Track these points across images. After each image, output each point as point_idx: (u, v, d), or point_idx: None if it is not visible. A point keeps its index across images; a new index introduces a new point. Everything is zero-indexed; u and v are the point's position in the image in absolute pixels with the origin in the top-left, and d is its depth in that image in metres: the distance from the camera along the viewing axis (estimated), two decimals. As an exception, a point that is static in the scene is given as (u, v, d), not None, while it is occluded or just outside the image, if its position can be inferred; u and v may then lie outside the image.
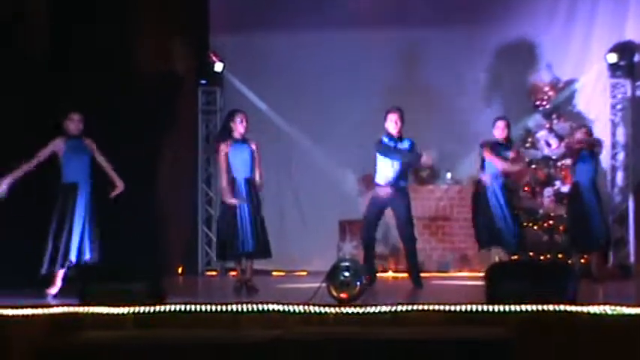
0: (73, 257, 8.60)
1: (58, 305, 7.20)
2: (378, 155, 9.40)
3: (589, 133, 10.43)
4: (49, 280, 8.54)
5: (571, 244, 10.46)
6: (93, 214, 8.77)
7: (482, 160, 9.92)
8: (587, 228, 10.14)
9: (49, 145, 8.65)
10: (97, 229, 8.78)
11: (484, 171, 9.87)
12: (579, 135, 10.38)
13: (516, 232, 9.83)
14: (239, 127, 9.03)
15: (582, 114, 11.81)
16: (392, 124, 9.36)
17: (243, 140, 9.07)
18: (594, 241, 10.20)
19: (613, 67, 11.66)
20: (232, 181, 8.94)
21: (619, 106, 11.81)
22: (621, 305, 6.80)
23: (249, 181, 8.99)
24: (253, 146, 9.07)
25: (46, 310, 7.06)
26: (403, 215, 9.39)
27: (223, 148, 9.03)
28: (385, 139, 9.36)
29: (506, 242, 9.76)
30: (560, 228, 11.32)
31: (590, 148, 10.27)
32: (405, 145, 9.38)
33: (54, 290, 8.45)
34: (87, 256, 8.65)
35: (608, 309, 6.74)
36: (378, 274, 9.90)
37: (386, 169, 9.37)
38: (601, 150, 10.54)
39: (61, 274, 8.53)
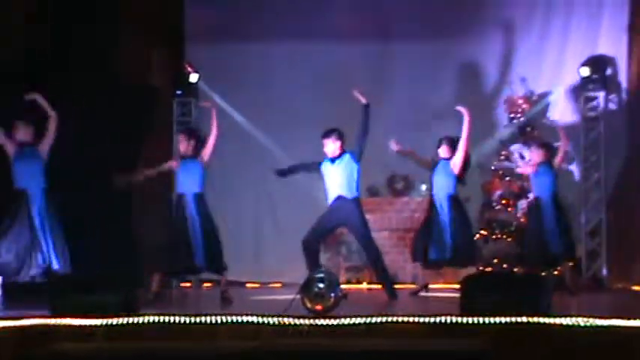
0: (34, 267, 8.59)
1: (28, 317, 7.12)
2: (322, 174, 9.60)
3: (547, 147, 10.48)
4: None
5: (523, 259, 10.51)
6: (52, 223, 8.74)
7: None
8: (543, 242, 10.19)
9: (5, 146, 8.81)
10: (61, 238, 8.74)
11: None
12: (535, 150, 10.47)
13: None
14: (182, 146, 9.26)
15: (555, 127, 11.84)
16: (328, 148, 9.56)
17: (192, 157, 9.16)
18: (549, 255, 10.26)
19: (586, 81, 11.71)
20: (179, 197, 9.15)
21: (592, 119, 11.85)
22: (594, 317, 6.82)
23: (199, 196, 9.16)
24: (204, 161, 9.30)
25: (16, 322, 6.99)
26: (359, 229, 9.52)
27: (172, 165, 9.33)
28: (326, 161, 9.57)
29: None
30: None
31: (547, 161, 10.32)
32: (345, 159, 9.50)
33: None
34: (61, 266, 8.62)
35: (581, 321, 6.76)
36: (353, 286, 9.89)
37: (331, 186, 9.53)
38: (560, 159, 10.56)
39: None
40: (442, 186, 10.06)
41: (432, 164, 10.19)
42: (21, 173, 8.80)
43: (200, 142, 9.30)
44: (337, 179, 9.48)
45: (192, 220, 9.03)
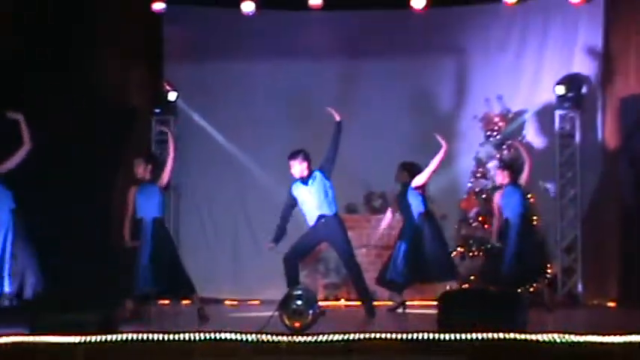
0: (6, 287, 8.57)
1: (7, 334, 7.09)
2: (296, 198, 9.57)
3: (510, 167, 10.56)
4: None
5: (499, 277, 10.56)
6: (22, 243, 8.72)
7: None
8: (515, 262, 10.25)
9: None
10: (32, 257, 8.72)
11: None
12: (498, 171, 10.56)
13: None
14: (139, 170, 9.19)
15: (531, 144, 11.91)
16: (295, 169, 9.53)
17: (150, 182, 9.18)
18: (522, 274, 10.35)
19: (561, 99, 11.78)
20: (138, 222, 9.11)
21: (566, 136, 11.93)
22: (570, 333, 6.85)
23: (157, 221, 9.13)
24: (162, 185, 9.24)
25: (-5, 340, 6.97)
26: (341, 246, 9.53)
27: (132, 190, 9.26)
28: (297, 184, 9.55)
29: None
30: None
31: (512, 181, 10.37)
32: (316, 177, 9.49)
33: None
34: (6, 288, 8.60)
35: (557, 337, 6.78)
36: (331, 303, 9.90)
37: (309, 208, 9.52)
38: (526, 177, 10.59)
39: None
40: (414, 206, 10.15)
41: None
42: None
43: (158, 167, 9.22)
44: (313, 200, 9.47)
45: (146, 244, 8.99)
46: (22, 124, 8.75)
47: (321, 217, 9.47)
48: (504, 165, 10.64)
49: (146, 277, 8.96)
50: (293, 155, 9.53)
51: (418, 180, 10.14)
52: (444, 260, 10.22)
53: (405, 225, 10.24)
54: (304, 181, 9.49)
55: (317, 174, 9.49)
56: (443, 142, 10.15)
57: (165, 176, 9.24)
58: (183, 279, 9.08)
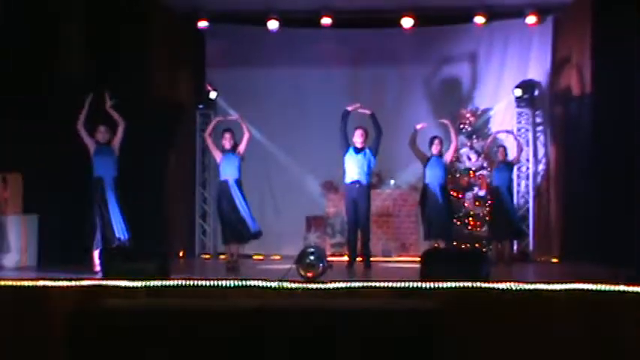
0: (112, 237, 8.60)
1: (86, 279, 7.16)
2: (345, 159, 9.47)
3: (505, 152, 10.55)
4: (91, 260, 8.51)
5: (493, 235, 10.58)
6: (120, 204, 8.76)
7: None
8: (506, 221, 10.27)
9: (88, 144, 8.77)
10: (124, 217, 8.77)
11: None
12: (499, 152, 10.53)
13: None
14: (226, 142, 9.26)
15: (495, 135, 11.89)
16: (357, 138, 9.48)
17: (232, 151, 9.15)
18: (512, 230, 10.37)
19: (519, 100, 11.72)
20: (222, 183, 9.19)
21: (523, 130, 11.91)
22: (523, 282, 6.89)
23: (238, 181, 9.18)
24: (239, 154, 9.28)
25: (77, 283, 7.02)
26: (364, 211, 9.44)
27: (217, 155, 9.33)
28: (351, 150, 9.46)
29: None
30: (478, 223, 11.43)
31: (504, 161, 10.40)
32: (367, 153, 9.47)
33: (97, 268, 8.22)
34: (123, 236, 8.64)
35: (513, 285, 6.82)
36: (336, 258, 9.89)
37: (351, 171, 9.44)
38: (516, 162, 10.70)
39: (96, 254, 8.42)
40: (436, 177, 9.81)
41: (426, 159, 9.91)
42: (98, 165, 8.79)
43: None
44: (357, 167, 9.40)
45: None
46: (113, 110, 8.83)
47: (356, 181, 9.40)
48: (504, 150, 10.60)
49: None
50: (359, 126, 9.54)
51: (448, 154, 9.99)
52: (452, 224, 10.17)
53: (431, 188, 9.79)
54: (357, 150, 9.45)
55: (367, 150, 9.47)
56: (449, 123, 10.13)
57: (242, 147, 9.31)
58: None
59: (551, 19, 11.74)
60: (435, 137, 10.00)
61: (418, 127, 9.96)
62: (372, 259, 9.73)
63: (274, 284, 6.95)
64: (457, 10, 11.64)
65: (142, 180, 10.08)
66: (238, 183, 9.19)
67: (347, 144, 9.49)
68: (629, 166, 9.14)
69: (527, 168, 11.83)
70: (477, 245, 11.21)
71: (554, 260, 11.15)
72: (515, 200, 11.16)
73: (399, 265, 10.46)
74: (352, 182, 9.43)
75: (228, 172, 9.20)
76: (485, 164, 11.55)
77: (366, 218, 9.51)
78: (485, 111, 12.06)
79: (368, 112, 9.61)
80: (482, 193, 11.54)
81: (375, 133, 9.54)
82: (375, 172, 11.47)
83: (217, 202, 9.41)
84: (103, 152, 8.79)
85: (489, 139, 10.98)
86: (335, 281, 7.01)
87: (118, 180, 8.82)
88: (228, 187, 9.14)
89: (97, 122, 8.88)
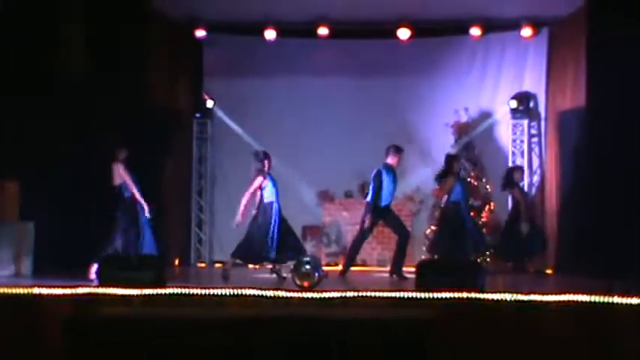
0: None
1: (81, 286, 7.14)
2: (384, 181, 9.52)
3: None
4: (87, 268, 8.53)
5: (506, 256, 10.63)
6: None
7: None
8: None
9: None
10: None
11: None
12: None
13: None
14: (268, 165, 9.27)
15: (490, 146, 11.93)
16: (395, 159, 9.60)
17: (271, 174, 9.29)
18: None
19: (514, 111, 11.79)
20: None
21: (518, 141, 11.95)
22: (517, 293, 6.90)
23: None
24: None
25: (72, 290, 7.00)
26: (397, 225, 9.60)
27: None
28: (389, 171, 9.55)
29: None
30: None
31: None
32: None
33: (92, 276, 8.26)
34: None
35: (508, 296, 6.82)
36: (332, 268, 9.90)
37: (385, 194, 9.53)
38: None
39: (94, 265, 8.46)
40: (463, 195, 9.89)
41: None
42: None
43: None
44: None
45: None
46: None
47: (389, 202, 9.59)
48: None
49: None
50: (400, 150, 9.61)
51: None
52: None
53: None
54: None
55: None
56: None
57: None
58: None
59: (547, 31, 11.80)
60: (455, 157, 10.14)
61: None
62: (366, 268, 9.75)
63: (270, 293, 6.94)
64: (453, 22, 11.68)
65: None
66: (280, 206, 9.18)
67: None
68: (625, 178, 9.16)
69: (523, 180, 11.82)
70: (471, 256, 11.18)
71: (549, 271, 11.14)
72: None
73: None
74: (385, 205, 9.54)
75: (273, 194, 9.18)
76: (480, 175, 11.58)
77: (402, 229, 9.70)
78: (482, 122, 12.08)
79: None
80: (477, 203, 11.54)
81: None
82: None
83: (260, 221, 9.17)
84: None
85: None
86: (330, 290, 7.00)
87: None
88: (272, 209, 9.09)
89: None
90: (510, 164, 11.49)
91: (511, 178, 10.56)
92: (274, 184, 9.14)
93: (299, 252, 8.94)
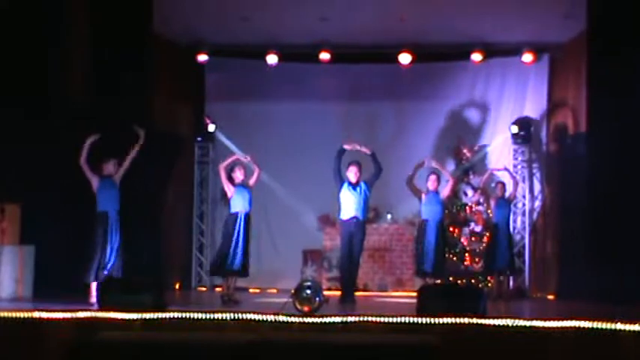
0: (105, 271, 8.59)
1: (82, 310, 7.13)
2: (341, 195, 9.40)
3: (504, 188, 10.54)
4: (88, 291, 8.50)
5: (487, 268, 10.53)
6: (120, 238, 8.76)
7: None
8: (502, 256, 10.23)
9: (91, 180, 8.76)
10: (122, 250, 8.77)
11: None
12: (498, 188, 10.52)
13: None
14: (237, 176, 9.18)
15: (491, 171, 11.95)
16: (351, 174, 9.41)
17: (243, 184, 9.16)
18: (507, 265, 10.32)
19: (515, 136, 11.81)
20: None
21: (519, 166, 11.97)
22: (519, 319, 6.88)
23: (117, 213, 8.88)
24: (251, 187, 9.23)
25: (72, 314, 7.00)
26: (358, 246, 9.35)
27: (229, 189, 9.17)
28: (346, 185, 9.39)
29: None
30: (475, 259, 11.43)
31: (503, 197, 10.41)
32: (362, 187, 9.40)
33: (93, 299, 8.24)
34: (116, 272, 8.63)
35: (510, 321, 6.81)
36: (332, 293, 9.86)
37: (348, 207, 9.37)
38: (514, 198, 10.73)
39: (94, 285, 8.43)
40: (433, 213, 9.81)
41: (421, 195, 9.90)
42: (103, 199, 8.79)
43: (247, 174, 9.30)
44: (353, 202, 9.32)
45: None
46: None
47: (353, 217, 9.32)
48: (502, 185, 10.59)
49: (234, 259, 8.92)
50: (354, 162, 9.46)
51: (445, 190, 10.04)
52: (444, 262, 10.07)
53: (428, 224, 9.79)
54: (353, 186, 9.38)
55: (362, 184, 9.41)
56: (438, 166, 10.10)
57: (253, 180, 9.31)
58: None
59: (548, 57, 11.87)
60: (431, 173, 10.01)
61: (420, 163, 9.97)
62: (367, 294, 9.67)
63: (270, 318, 6.93)
64: (455, 47, 11.75)
65: (140, 211, 10.06)
66: (247, 217, 9.12)
67: (341, 179, 9.44)
68: (626, 203, 9.16)
69: (524, 204, 11.86)
70: (472, 281, 11.20)
71: (551, 297, 11.13)
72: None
73: (395, 299, 10.42)
74: (349, 218, 9.35)
75: (239, 205, 9.14)
76: (481, 200, 11.58)
77: (359, 253, 9.46)
78: (482, 147, 12.12)
79: (368, 151, 9.57)
80: (478, 228, 11.56)
81: (374, 170, 9.48)
82: (372, 207, 11.46)
83: (222, 233, 9.25)
84: (106, 186, 8.82)
85: (486, 175, 10.98)
86: (331, 315, 6.99)
87: (120, 213, 8.85)
88: (236, 220, 9.08)
89: (102, 155, 8.91)
90: (512, 189, 11.49)
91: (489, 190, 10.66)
92: (242, 195, 9.09)
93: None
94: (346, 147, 9.55)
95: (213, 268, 9.26)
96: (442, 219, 9.95)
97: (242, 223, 9.03)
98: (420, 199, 9.90)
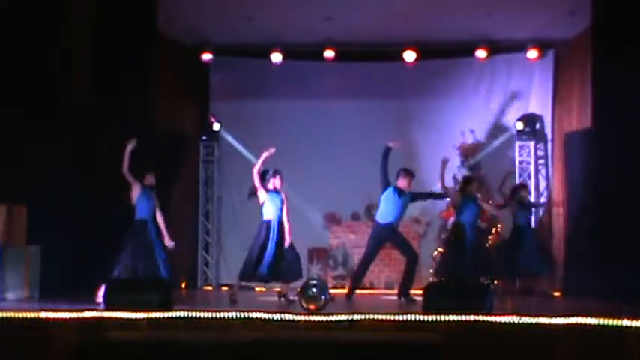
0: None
1: (88, 310, 7.14)
2: (383, 198, 9.45)
3: (526, 189, 10.64)
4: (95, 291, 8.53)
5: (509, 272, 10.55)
6: (155, 246, 9.05)
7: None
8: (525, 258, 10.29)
9: (134, 187, 8.99)
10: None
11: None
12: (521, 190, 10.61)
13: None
14: (276, 183, 9.12)
15: (497, 168, 11.94)
16: (405, 182, 9.48)
17: (276, 190, 9.10)
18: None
19: (520, 133, 11.81)
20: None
21: (524, 163, 11.95)
22: (525, 316, 6.87)
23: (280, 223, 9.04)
24: (283, 196, 9.13)
25: (79, 314, 7.00)
26: (405, 246, 9.55)
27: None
28: (391, 191, 9.45)
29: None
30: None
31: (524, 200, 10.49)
32: (408, 197, 9.50)
33: (99, 299, 8.21)
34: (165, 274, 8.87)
35: (516, 319, 6.80)
36: (338, 290, 9.87)
37: (388, 212, 9.45)
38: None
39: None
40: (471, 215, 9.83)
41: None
42: (143, 208, 9.00)
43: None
44: (395, 210, 9.45)
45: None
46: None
47: (389, 224, 9.48)
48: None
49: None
50: (410, 173, 9.55)
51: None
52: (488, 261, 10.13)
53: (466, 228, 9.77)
54: (400, 194, 9.44)
55: (409, 194, 9.54)
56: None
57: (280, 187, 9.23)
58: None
59: (553, 53, 11.84)
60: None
61: (444, 162, 9.95)
62: (373, 291, 9.71)
63: (276, 316, 6.93)
64: (459, 44, 11.74)
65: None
66: (280, 224, 9.07)
67: (387, 182, 9.46)
68: (631, 199, 9.15)
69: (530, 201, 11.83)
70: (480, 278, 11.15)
71: (557, 294, 11.11)
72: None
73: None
74: (386, 223, 9.43)
75: (270, 212, 9.05)
76: (487, 197, 11.56)
77: (409, 250, 9.64)
78: (487, 144, 12.09)
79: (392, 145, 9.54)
80: (483, 225, 11.50)
81: (434, 198, 9.82)
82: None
83: (254, 239, 9.12)
84: (147, 196, 9.05)
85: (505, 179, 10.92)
86: (337, 313, 6.99)
87: (155, 222, 9.09)
88: (269, 228, 9.00)
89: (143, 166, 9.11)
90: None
91: (514, 195, 10.55)
92: (274, 203, 9.04)
93: (294, 275, 8.96)
94: (390, 145, 9.54)
95: (244, 274, 9.11)
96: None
97: (275, 231, 8.99)
98: (457, 202, 9.89)
